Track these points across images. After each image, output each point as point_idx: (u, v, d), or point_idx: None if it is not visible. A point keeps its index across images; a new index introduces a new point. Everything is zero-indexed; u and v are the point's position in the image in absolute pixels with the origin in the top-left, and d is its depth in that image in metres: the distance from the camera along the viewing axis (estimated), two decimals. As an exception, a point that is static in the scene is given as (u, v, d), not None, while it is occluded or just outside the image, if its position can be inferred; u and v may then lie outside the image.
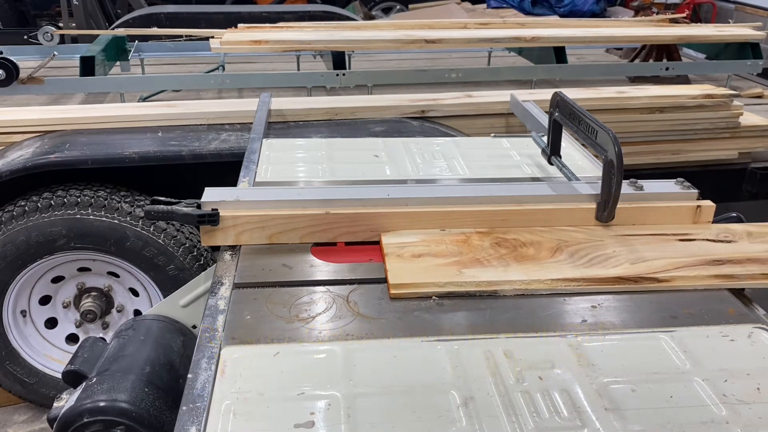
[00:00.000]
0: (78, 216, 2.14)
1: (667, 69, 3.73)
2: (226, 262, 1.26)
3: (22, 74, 3.11)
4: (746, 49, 3.75)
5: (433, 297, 1.13)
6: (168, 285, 2.18)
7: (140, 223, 2.18)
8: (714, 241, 1.30)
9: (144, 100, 3.28)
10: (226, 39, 3.28)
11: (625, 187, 1.39)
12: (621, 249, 1.25)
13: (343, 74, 3.31)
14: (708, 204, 1.42)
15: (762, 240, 1.31)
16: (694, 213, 1.41)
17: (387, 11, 8.16)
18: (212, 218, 1.29)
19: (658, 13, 5.70)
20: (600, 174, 1.35)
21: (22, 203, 2.17)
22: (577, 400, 0.88)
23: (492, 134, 1.98)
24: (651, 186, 1.44)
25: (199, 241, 1.87)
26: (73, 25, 6.01)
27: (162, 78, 3.37)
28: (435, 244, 1.26)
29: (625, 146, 1.28)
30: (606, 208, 1.35)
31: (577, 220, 1.38)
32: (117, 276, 2.35)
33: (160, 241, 2.17)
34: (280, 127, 2.33)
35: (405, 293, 1.13)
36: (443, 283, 1.14)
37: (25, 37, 4.06)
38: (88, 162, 2.14)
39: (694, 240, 1.30)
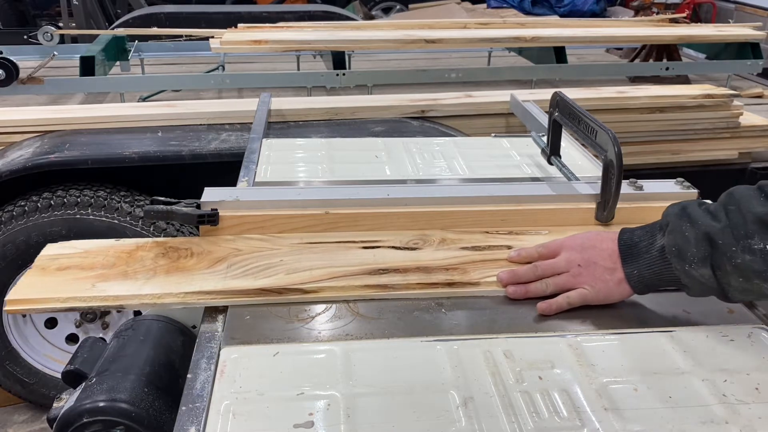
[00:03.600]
0: (78, 216, 2.14)
1: (667, 69, 3.73)
2: (225, 262, 1.26)
3: (22, 74, 3.12)
4: (746, 49, 3.75)
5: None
6: (168, 285, 2.18)
7: (140, 223, 2.18)
8: (398, 248, 1.25)
9: (144, 100, 3.28)
10: (226, 39, 3.29)
11: (625, 187, 1.39)
12: (291, 258, 1.20)
13: (343, 74, 3.32)
14: (708, 204, 1.42)
15: (451, 247, 1.26)
16: (694, 213, 1.41)
17: (387, 11, 8.16)
18: (212, 218, 1.28)
19: (658, 13, 5.70)
20: (600, 174, 1.35)
21: (22, 203, 2.17)
22: (577, 400, 0.88)
23: (492, 134, 1.98)
24: (651, 186, 1.44)
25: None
26: (73, 25, 6.01)
27: (162, 78, 3.37)
28: (93, 256, 1.20)
29: (625, 146, 1.28)
30: (606, 208, 1.35)
31: (577, 220, 1.38)
32: (117, 276, 2.35)
33: (159, 241, 2.17)
34: (280, 127, 2.33)
35: (20, 309, 1.09)
36: (65, 298, 1.08)
37: (25, 37, 4.06)
38: (88, 162, 2.14)
39: (378, 247, 1.25)
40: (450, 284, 1.14)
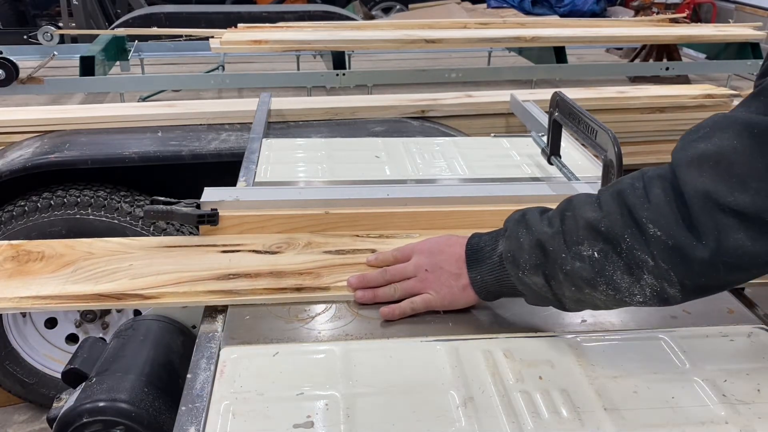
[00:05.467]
0: (78, 216, 2.14)
1: (667, 69, 3.73)
2: (225, 262, 1.26)
3: (22, 74, 3.12)
4: (746, 49, 3.76)
5: None
6: (168, 285, 2.18)
7: (140, 223, 2.18)
8: (258, 252, 1.22)
9: (144, 100, 3.29)
10: (226, 39, 3.29)
11: (625, 187, 1.39)
12: (142, 263, 1.17)
13: (343, 74, 3.32)
14: (708, 204, 1.41)
15: (314, 251, 1.23)
16: (694, 213, 1.40)
17: (387, 11, 8.16)
18: (212, 218, 1.29)
19: (658, 13, 5.70)
20: (600, 174, 1.35)
21: (22, 203, 2.16)
22: (577, 400, 0.88)
23: (492, 134, 1.98)
24: (651, 186, 1.44)
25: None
26: (73, 25, 6.01)
27: (162, 78, 3.38)
28: None
29: (625, 146, 1.27)
30: (606, 208, 1.34)
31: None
32: (117, 276, 2.35)
33: (159, 241, 2.17)
34: (280, 127, 2.33)
35: None
36: None
37: (25, 37, 4.07)
38: (87, 162, 2.14)
39: (237, 251, 1.22)
40: (298, 289, 1.11)
